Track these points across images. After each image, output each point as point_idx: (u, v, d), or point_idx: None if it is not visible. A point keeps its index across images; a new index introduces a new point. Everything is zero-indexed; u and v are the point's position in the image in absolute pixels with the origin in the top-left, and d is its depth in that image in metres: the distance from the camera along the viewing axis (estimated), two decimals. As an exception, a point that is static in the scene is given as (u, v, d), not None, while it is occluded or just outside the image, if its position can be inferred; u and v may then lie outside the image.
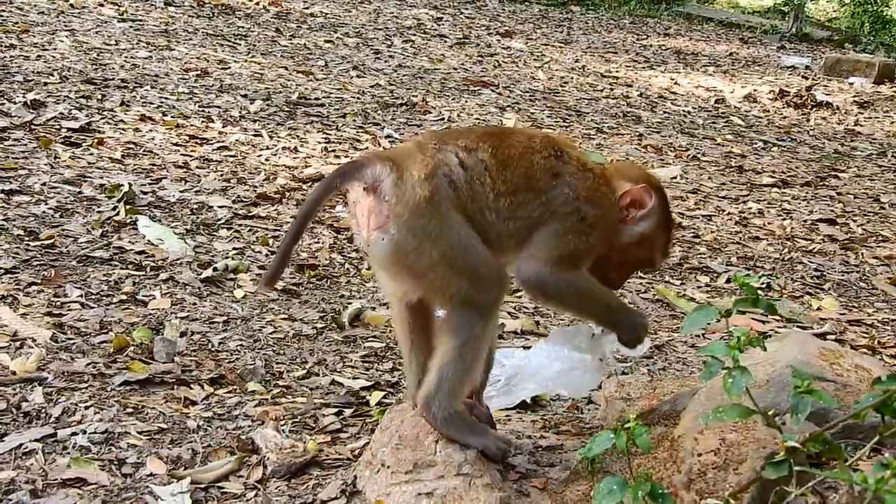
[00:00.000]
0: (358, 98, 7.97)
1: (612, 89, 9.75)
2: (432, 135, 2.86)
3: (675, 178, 6.69)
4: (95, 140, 5.90)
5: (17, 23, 8.59)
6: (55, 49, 7.98)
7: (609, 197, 2.90)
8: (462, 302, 2.69)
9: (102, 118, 6.42)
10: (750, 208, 6.17)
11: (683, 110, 9.10)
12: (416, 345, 2.88)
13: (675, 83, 10.51)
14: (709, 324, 4.21)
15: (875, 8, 19.50)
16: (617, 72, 10.82)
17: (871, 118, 9.67)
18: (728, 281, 4.90)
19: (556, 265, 2.76)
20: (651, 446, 2.35)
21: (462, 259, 2.68)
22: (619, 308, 2.92)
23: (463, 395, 2.78)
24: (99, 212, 4.83)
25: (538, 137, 2.91)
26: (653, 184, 3.00)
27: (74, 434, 2.98)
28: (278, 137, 6.56)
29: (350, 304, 4.17)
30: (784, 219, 6.00)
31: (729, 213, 6.01)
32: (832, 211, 6.28)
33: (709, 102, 9.63)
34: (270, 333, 3.87)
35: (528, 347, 3.69)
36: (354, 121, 7.27)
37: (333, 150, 6.41)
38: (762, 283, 4.86)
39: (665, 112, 8.93)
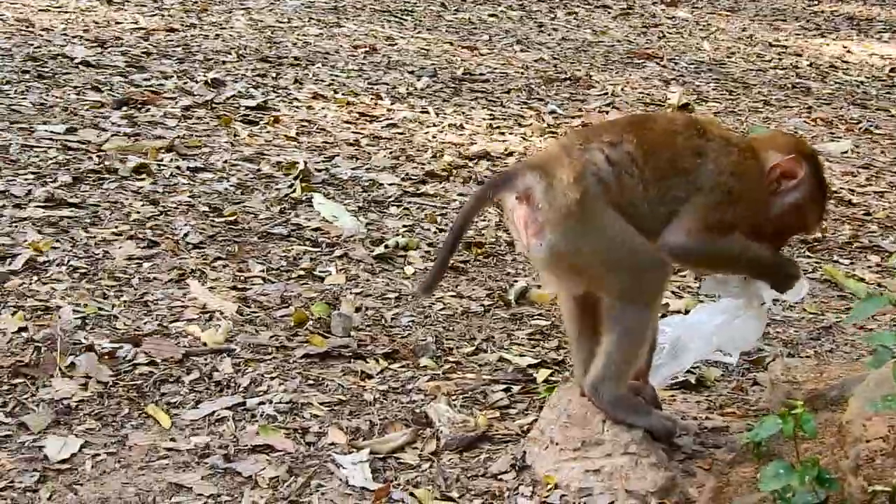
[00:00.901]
0: (522, 73, 8.04)
1: (780, 59, 9.55)
2: (577, 133, 2.95)
3: (846, 152, 6.55)
4: (272, 118, 6.14)
5: (196, 2, 8.95)
6: (232, 28, 8.30)
7: (757, 170, 2.93)
8: (624, 292, 2.79)
9: (277, 96, 6.67)
10: (925, 184, 6.01)
11: (856, 80, 8.85)
12: (584, 332, 2.99)
13: (848, 51, 10.20)
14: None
15: None
16: (786, 40, 10.57)
17: None
18: (901, 263, 4.81)
19: (700, 233, 2.85)
20: (817, 433, 2.39)
21: (620, 253, 2.78)
22: (768, 260, 2.98)
23: (628, 378, 2.87)
24: (277, 189, 5.06)
25: (679, 119, 2.99)
26: (804, 153, 3.00)
27: (262, 403, 3.20)
28: (444, 114, 6.70)
29: (516, 282, 4.28)
30: (960, 195, 5.83)
31: (902, 190, 5.88)
32: None
33: (883, 71, 9.32)
34: (440, 310, 4.01)
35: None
36: (518, 96, 7.35)
37: (498, 127, 6.51)
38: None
39: (836, 82, 8.71)
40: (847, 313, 4.21)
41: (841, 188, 5.81)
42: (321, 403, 3.24)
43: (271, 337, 3.63)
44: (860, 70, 9.33)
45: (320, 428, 3.12)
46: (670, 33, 10.45)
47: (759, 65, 9.23)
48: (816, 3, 13.61)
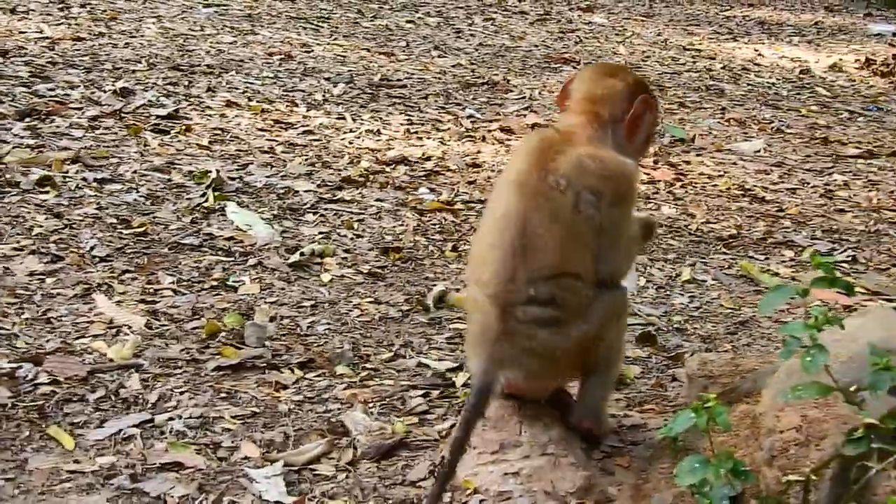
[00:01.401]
0: (439, 78, 8.02)
1: (694, 62, 9.66)
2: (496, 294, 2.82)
3: (759, 151, 6.62)
4: (183, 127, 6.03)
5: (105, 10, 8.79)
6: (142, 36, 8.15)
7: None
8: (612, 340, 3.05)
9: (189, 105, 6.56)
10: (835, 180, 6.09)
11: (767, 82, 8.98)
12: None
13: (759, 54, 10.36)
14: (792, 299, 4.21)
15: (968, -32, 18.89)
16: (700, 44, 10.70)
17: (961, 84, 9.43)
18: (815, 255, 4.85)
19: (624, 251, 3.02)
20: (731, 425, 2.37)
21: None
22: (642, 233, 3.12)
23: None
24: (188, 199, 4.96)
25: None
26: (634, 83, 2.98)
27: (171, 419, 3.10)
28: (361, 120, 6.64)
29: (434, 286, 4.24)
30: (870, 190, 5.92)
31: (814, 186, 5.95)
32: (921, 181, 6.17)
33: (793, 73, 9.47)
34: (357, 317, 3.95)
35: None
36: (436, 101, 7.32)
37: (416, 132, 6.47)
38: (847, 257, 4.82)
39: (749, 84, 8.82)
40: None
41: (754, 186, 5.87)
42: (233, 417, 3.16)
43: (182, 350, 3.53)
44: (771, 72, 9.46)
45: (232, 442, 3.03)
46: (587, 38, 10.51)
47: (674, 68, 9.32)
48: (728, 8, 13.82)
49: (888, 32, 12.34)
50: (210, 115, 6.40)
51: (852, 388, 2.31)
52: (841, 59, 10.12)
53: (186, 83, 7.02)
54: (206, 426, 3.10)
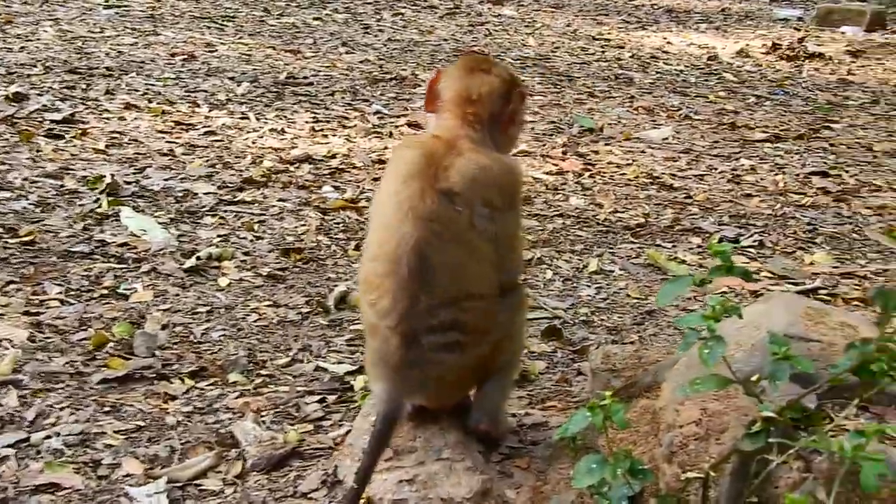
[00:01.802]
0: (347, 75, 7.89)
1: (603, 52, 9.64)
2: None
3: (667, 138, 6.60)
4: (79, 131, 5.84)
5: (0, 14, 8.51)
6: (39, 40, 7.91)
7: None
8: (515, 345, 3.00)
9: (86, 108, 6.36)
10: (742, 165, 6.08)
11: (675, 69, 8.99)
12: None
13: (668, 42, 10.38)
14: (698, 286, 4.16)
15: (870, -46, 19.20)
16: (609, 34, 10.70)
17: (863, 66, 9.53)
18: (720, 241, 4.82)
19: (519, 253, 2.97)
20: (628, 423, 2.29)
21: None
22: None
23: None
24: (81, 205, 4.77)
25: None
26: (508, 78, 2.85)
27: (48, 437, 2.93)
28: (265, 119, 6.49)
29: (336, 286, 4.11)
30: (776, 174, 5.91)
31: (721, 172, 5.92)
32: (825, 163, 6.18)
33: (701, 60, 9.50)
34: (254, 321, 3.81)
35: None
36: (343, 98, 7.19)
37: (321, 130, 6.34)
38: (754, 241, 4.79)
39: (657, 72, 8.82)
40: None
41: (662, 173, 5.83)
42: (116, 432, 2.99)
43: (66, 363, 3.36)
44: (679, 60, 9.48)
45: (114, 459, 2.87)
46: (496, 31, 10.45)
47: (583, 58, 9.29)
48: (638, -4, 13.86)
49: (793, 17, 12.48)
50: (108, 119, 6.20)
51: (754, 378, 2.24)
52: (748, 45, 10.18)
53: (84, 86, 6.81)
54: (86, 443, 2.94)
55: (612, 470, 2.14)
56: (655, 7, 12.98)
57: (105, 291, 3.94)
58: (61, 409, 3.09)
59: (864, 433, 1.76)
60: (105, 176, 5.09)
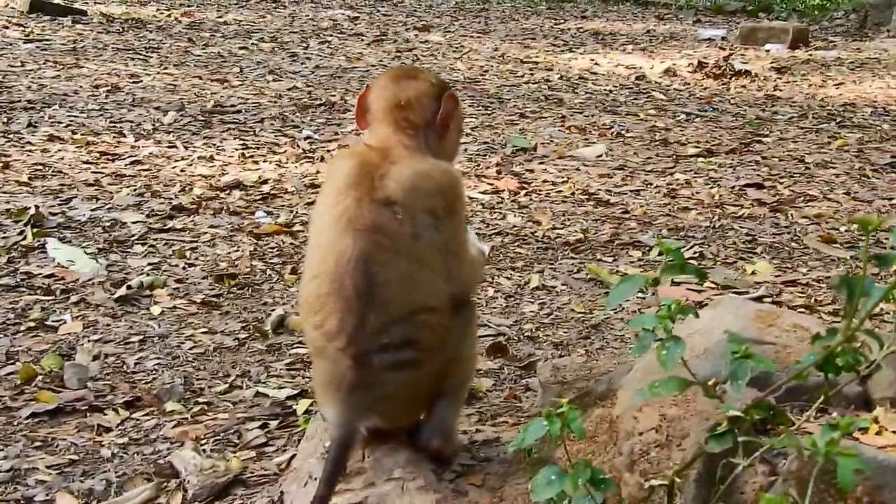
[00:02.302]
0: (275, 102, 7.79)
1: (532, 74, 9.65)
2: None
3: (601, 155, 6.58)
4: (0, 164, 5.66)
5: (-85, 50, 8.30)
6: (-43, 75, 7.72)
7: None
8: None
9: (8, 141, 6.20)
10: (677, 179, 6.08)
11: (605, 89, 9.02)
12: None
13: (595, 63, 10.44)
14: (642, 297, 4.13)
15: (786, -24, 19.60)
16: (536, 57, 10.73)
17: (789, 82, 9.65)
18: (660, 254, 4.78)
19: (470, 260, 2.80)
20: (587, 431, 2.21)
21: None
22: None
23: None
24: (4, 237, 4.61)
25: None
26: (443, 87, 2.76)
27: (-24, 475, 2.78)
28: (193, 147, 6.37)
29: (273, 311, 4.00)
30: (712, 187, 5.92)
31: (657, 186, 5.91)
32: (758, 175, 6.21)
33: (629, 80, 9.55)
34: (190, 349, 3.68)
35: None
36: (272, 125, 7.10)
37: (251, 156, 6.23)
38: (694, 253, 4.77)
39: (587, 92, 8.84)
40: (614, 309, 4.13)
41: (598, 189, 5.81)
42: (49, 466, 2.84)
43: (-8, 399, 3.21)
44: (608, 80, 9.52)
45: (47, 495, 2.72)
46: (424, 56, 10.43)
47: (513, 80, 9.30)
48: (562, 21, 13.97)
49: (717, 37, 12.64)
50: (31, 151, 6.05)
51: (710, 382, 2.18)
52: (674, 64, 10.26)
53: (5, 119, 6.66)
54: (17, 479, 2.79)
55: (572, 481, 2.05)
56: (581, 30, 13.07)
57: (32, 324, 3.79)
58: (-11, 445, 2.94)
59: (837, 427, 1.70)
60: (29, 208, 4.93)
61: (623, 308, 4.16)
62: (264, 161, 6.14)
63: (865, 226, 1.89)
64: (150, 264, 4.45)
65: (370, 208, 2.47)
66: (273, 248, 4.72)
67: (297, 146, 6.53)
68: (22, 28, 10.35)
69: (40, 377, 3.36)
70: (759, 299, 4.08)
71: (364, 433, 2.50)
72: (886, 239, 4.64)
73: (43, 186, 5.42)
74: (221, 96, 7.85)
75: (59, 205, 5.14)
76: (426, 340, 2.51)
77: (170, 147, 6.35)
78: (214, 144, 6.46)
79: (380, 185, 2.49)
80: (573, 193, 5.71)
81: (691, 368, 2.10)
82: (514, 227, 5.13)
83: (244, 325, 3.90)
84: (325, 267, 2.48)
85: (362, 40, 11.29)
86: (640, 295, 4.11)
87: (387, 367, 2.47)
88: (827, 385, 1.97)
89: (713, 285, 4.35)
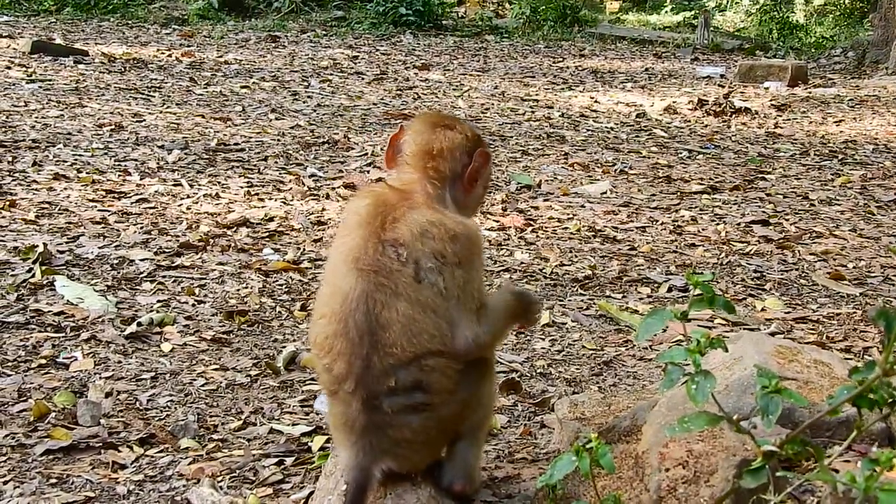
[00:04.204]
0: (278, 140, 7.81)
1: (533, 112, 9.69)
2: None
3: (605, 192, 6.60)
4: (7, 202, 5.66)
5: (-82, 90, 8.32)
6: (-40, 115, 7.73)
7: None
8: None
9: (14, 180, 6.20)
10: (682, 216, 6.09)
11: (606, 127, 9.06)
12: None
13: (595, 101, 10.49)
14: (656, 334, 4.11)
15: (781, 14, 19.79)
16: (536, 94, 10.78)
17: (789, 120, 9.71)
18: (670, 290, 4.79)
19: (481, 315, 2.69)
20: (615, 466, 2.20)
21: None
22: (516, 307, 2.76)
23: None
24: (13, 275, 4.60)
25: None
26: (474, 138, 2.76)
27: (-7, 512, 2.76)
28: (199, 185, 6.37)
29: (284, 347, 3.98)
30: (717, 223, 5.93)
31: (662, 223, 5.92)
32: (764, 212, 6.22)
33: (630, 117, 9.60)
34: (202, 386, 3.66)
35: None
36: (276, 162, 7.11)
37: (257, 194, 6.23)
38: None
39: (588, 130, 8.88)
40: (626, 346, 4.12)
41: (605, 226, 5.81)
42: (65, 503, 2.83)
43: (6, 436, 3.17)
44: (609, 117, 9.57)
45: (65, 532, 2.71)
46: (425, 94, 10.47)
47: (514, 118, 9.33)
48: (561, 60, 14.05)
49: (716, 74, 12.72)
50: (37, 190, 6.04)
51: (736, 417, 2.17)
52: (674, 102, 10.32)
53: (10, 159, 6.66)
54: (34, 518, 2.76)
55: (601, 516, 2.05)
56: (580, 69, 13.15)
57: (43, 361, 3.76)
58: (4, 482, 2.90)
59: (877, 461, 1.69)
60: (37, 245, 4.92)
61: (634, 345, 4.15)
62: (270, 199, 6.15)
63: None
64: (159, 301, 4.43)
65: (375, 248, 2.46)
66: (282, 284, 4.71)
67: (303, 183, 6.54)
68: (24, 68, 10.39)
69: (53, 414, 3.34)
70: (771, 335, 4.07)
71: (379, 476, 2.48)
72: None
73: (50, 224, 5.41)
74: (224, 134, 7.86)
75: (67, 242, 5.13)
76: (437, 384, 2.49)
77: (175, 185, 6.35)
78: (219, 182, 6.47)
79: (390, 227, 2.49)
80: (579, 230, 5.72)
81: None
82: (522, 263, 5.13)
83: (255, 361, 3.89)
84: (332, 307, 2.49)
85: (363, 79, 11.35)
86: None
87: (398, 410, 2.45)
88: (859, 420, 1.96)
89: (724, 322, 4.34)
